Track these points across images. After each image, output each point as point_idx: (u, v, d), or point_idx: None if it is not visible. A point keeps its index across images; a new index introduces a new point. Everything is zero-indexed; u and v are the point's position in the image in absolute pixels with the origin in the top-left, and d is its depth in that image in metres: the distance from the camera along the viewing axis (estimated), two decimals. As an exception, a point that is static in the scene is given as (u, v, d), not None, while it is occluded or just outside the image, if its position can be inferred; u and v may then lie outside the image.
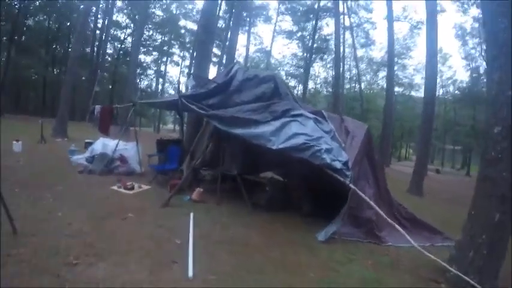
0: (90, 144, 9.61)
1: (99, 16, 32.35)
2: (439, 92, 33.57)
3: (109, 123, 9.36)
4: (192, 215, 5.52)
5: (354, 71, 40.68)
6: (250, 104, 6.16)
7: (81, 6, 22.59)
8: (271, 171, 8.65)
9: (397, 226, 4.87)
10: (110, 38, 34.40)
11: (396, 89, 33.14)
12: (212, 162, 7.21)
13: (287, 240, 5.13)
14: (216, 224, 5.44)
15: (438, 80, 34.46)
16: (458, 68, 39.35)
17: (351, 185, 5.22)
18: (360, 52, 36.49)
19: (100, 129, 9.30)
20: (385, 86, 42.42)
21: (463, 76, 49.12)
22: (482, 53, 27.17)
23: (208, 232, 5.00)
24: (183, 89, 9.56)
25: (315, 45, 32.34)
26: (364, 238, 5.40)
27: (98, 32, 32.87)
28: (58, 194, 5.97)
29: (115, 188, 6.98)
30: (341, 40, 25.25)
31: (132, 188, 6.98)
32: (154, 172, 7.93)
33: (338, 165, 5.30)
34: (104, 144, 8.89)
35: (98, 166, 8.24)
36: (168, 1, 35.31)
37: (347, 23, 30.00)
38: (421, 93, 38.02)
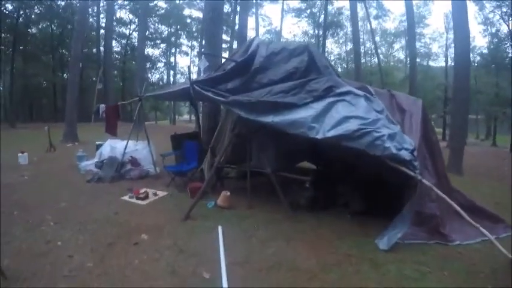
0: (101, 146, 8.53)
1: (102, 16, 31.13)
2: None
3: (116, 122, 8.21)
4: (220, 229, 4.39)
5: (368, 45, 38.57)
6: (280, 84, 4.79)
7: (78, 5, 21.44)
8: (308, 161, 7.26)
9: (473, 223, 3.67)
10: (115, 36, 33.26)
11: (414, 59, 31.06)
12: (237, 158, 5.94)
13: (343, 254, 3.91)
14: (252, 240, 4.26)
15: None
16: (476, 34, 36.38)
17: (424, 181, 3.96)
18: (373, 24, 34.25)
19: (107, 130, 8.22)
20: (401, 57, 40.65)
21: (481, 42, 46.22)
22: (504, 16, 24.78)
23: (245, 255, 3.80)
24: (194, 74, 8.15)
25: (327, 20, 30.31)
26: (428, 238, 4.31)
27: (102, 31, 31.69)
28: (61, 214, 5.03)
29: (126, 198, 5.86)
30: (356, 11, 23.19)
31: (146, 197, 5.84)
32: (171, 174, 6.72)
33: (406, 155, 4.00)
34: (112, 147, 7.80)
35: (107, 172, 7.17)
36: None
37: (358, -6, 27.83)
38: (438, 63, 35.90)
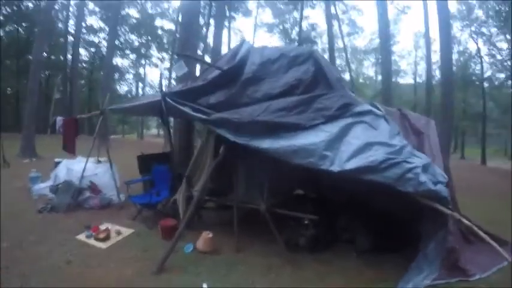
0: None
1: (72, 23, 29.03)
2: (424, 77, 32.23)
3: (74, 139, 6.76)
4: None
5: (338, 61, 38.68)
6: (280, 100, 3.70)
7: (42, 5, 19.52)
8: (302, 188, 6.14)
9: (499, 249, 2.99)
10: (84, 44, 31.13)
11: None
12: (219, 187, 4.78)
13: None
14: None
15: (423, 66, 33.06)
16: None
17: (464, 220, 3.17)
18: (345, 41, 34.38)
19: (65, 148, 6.71)
20: (370, 74, 41.09)
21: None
22: (472, 35, 25.46)
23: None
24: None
25: (301, 36, 29.96)
26: (449, 276, 3.54)
27: (71, 38, 29.57)
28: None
29: (83, 237, 4.51)
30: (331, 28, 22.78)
31: (107, 238, 4.50)
32: (137, 205, 5.41)
33: (444, 191, 3.06)
34: (69, 169, 6.31)
35: (62, 200, 5.74)
36: (142, 0, 32.25)
37: (333, 11, 27.65)
38: (406, 80, 36.62)
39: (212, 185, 4.68)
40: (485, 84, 25.76)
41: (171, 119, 7.41)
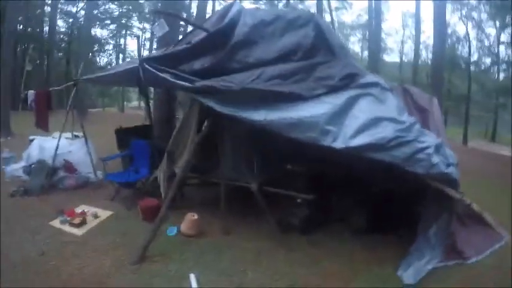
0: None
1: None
2: (410, 56, 32.05)
3: (47, 114, 6.07)
4: (193, 279, 2.94)
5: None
6: (276, 66, 3.20)
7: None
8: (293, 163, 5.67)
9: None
10: (61, 13, 29.14)
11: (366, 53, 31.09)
12: (204, 162, 4.34)
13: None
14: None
15: (410, 45, 32.72)
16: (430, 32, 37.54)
17: (474, 205, 2.83)
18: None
19: (37, 124, 6.01)
20: (356, 50, 40.50)
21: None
22: (462, 18, 25.22)
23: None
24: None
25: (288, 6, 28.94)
26: (447, 259, 3.41)
27: (48, 8, 27.60)
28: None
29: (57, 223, 4.03)
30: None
31: (84, 222, 4.04)
32: (115, 185, 4.92)
33: (455, 173, 2.73)
34: (41, 148, 5.71)
35: (35, 182, 5.17)
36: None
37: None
38: (392, 58, 36.33)
39: (196, 160, 4.24)
40: (472, 68, 25.76)
41: (151, 90, 6.84)
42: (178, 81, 3.25)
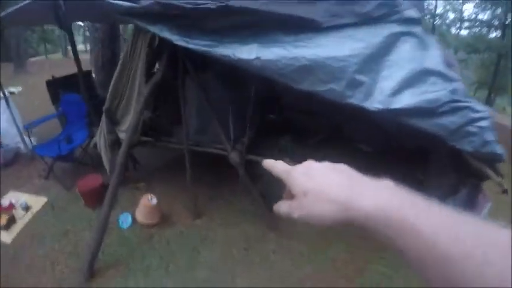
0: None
1: None
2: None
3: None
4: None
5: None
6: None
7: None
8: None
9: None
10: None
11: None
12: (161, 123, 3.17)
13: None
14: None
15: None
16: None
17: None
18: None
19: None
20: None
21: None
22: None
23: None
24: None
25: None
26: None
27: None
28: None
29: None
30: None
31: (12, 222, 2.91)
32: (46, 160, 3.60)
33: (503, 154, 1.88)
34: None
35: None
36: None
37: None
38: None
39: (148, 119, 3.08)
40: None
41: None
42: (111, 1, 1.94)
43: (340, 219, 0.37)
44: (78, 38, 29.93)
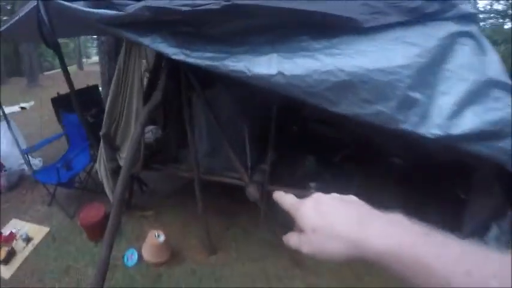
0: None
1: None
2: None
3: None
4: None
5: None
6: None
7: None
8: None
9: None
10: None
11: None
12: (166, 147, 2.82)
13: None
14: None
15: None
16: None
17: None
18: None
19: None
20: None
21: None
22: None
23: None
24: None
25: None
26: None
27: None
28: None
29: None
30: None
31: (12, 254, 2.68)
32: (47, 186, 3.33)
33: None
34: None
35: None
36: None
37: None
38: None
39: (154, 141, 2.72)
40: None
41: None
42: (92, 11, 1.57)
43: (350, 256, 0.37)
44: (92, 50, 30.26)
